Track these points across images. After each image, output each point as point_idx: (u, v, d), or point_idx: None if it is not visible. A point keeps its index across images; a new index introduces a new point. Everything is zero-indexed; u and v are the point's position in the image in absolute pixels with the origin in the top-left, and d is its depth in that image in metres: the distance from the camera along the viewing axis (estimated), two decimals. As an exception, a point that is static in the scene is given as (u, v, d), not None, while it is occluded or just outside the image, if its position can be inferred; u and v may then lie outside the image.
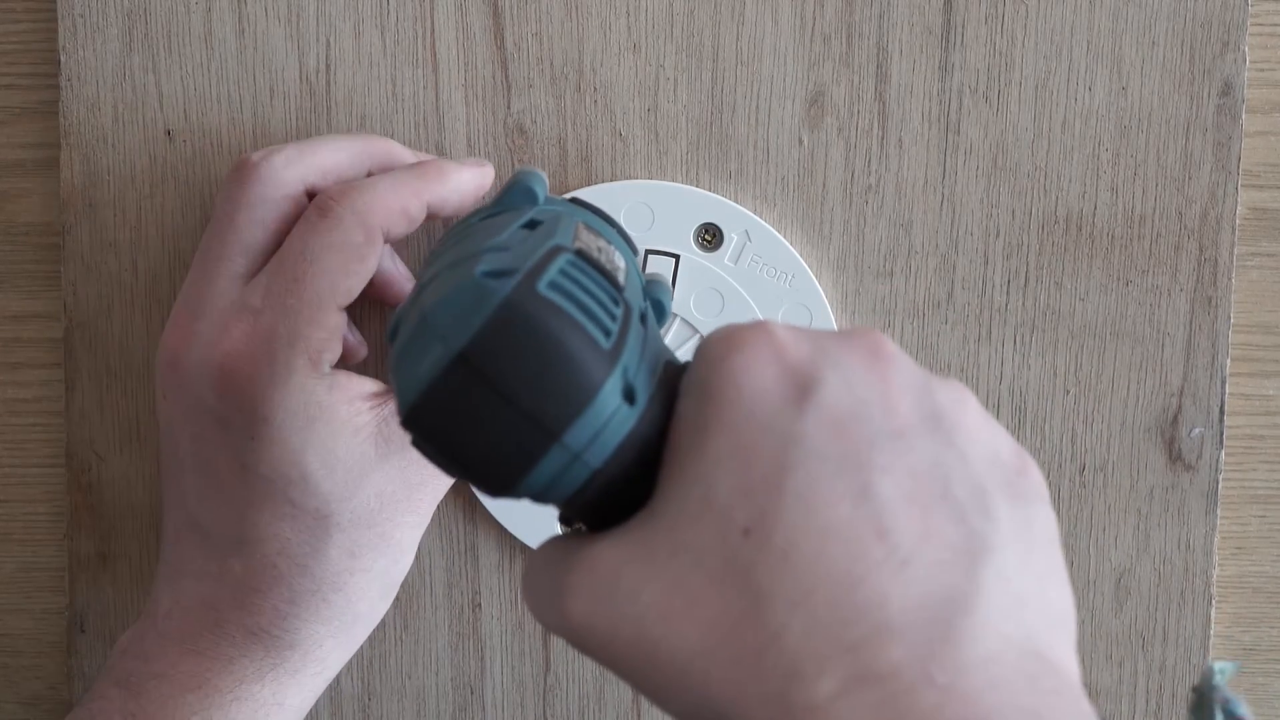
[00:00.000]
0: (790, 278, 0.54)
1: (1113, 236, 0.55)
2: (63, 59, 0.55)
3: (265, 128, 0.55)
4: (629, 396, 0.34)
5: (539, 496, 0.35)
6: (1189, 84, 0.54)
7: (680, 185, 0.54)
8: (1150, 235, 0.54)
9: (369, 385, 0.49)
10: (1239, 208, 0.55)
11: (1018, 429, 0.55)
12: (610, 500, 0.35)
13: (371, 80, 0.54)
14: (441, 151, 0.55)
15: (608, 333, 0.34)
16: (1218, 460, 0.55)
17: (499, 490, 0.35)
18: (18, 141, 0.57)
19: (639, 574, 0.33)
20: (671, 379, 0.36)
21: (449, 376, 0.33)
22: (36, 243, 0.57)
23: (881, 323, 0.55)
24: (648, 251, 0.54)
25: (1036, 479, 0.35)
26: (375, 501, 0.49)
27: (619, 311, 0.36)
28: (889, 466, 0.33)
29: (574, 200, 0.43)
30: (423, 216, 0.49)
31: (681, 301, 0.54)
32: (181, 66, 0.55)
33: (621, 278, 0.38)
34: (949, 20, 0.54)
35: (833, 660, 0.30)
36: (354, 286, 0.48)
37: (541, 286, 0.34)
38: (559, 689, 0.58)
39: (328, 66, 0.54)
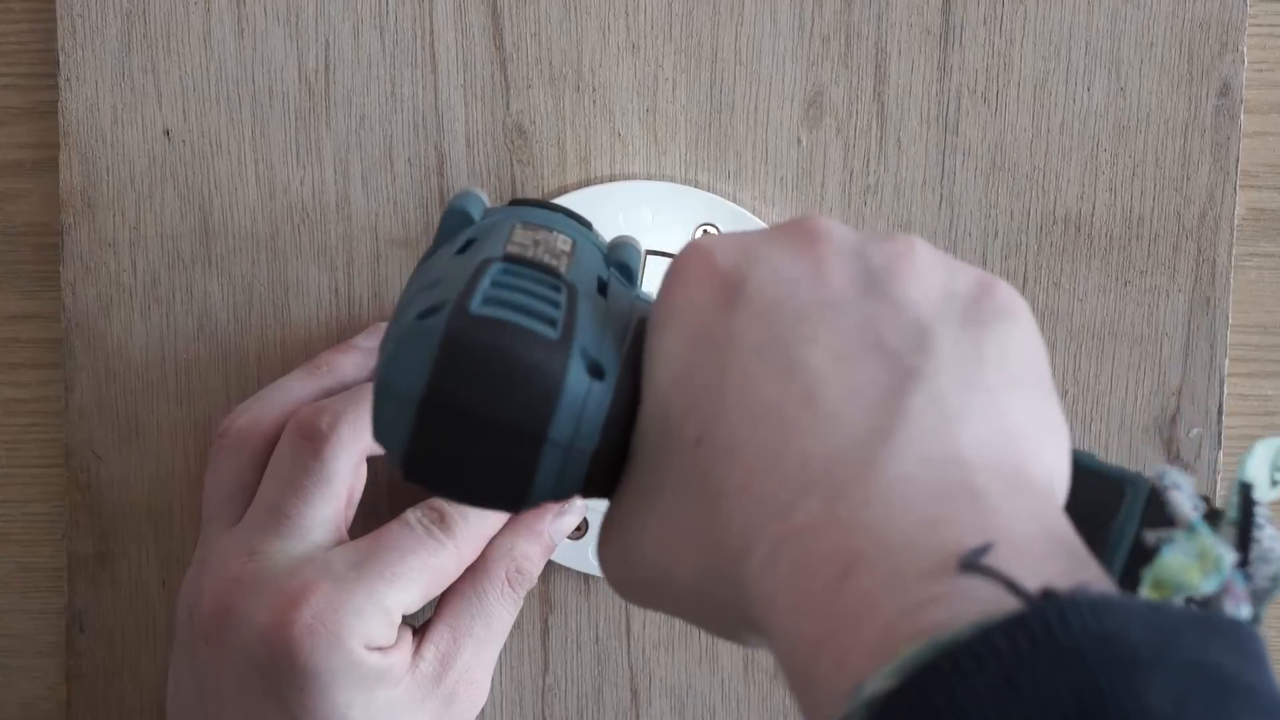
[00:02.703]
0: (789, 278, 0.54)
1: (1111, 237, 0.55)
2: (62, 59, 0.55)
3: (264, 128, 0.55)
4: (596, 372, 0.35)
5: (556, 495, 0.35)
6: (1187, 85, 0.54)
7: (679, 185, 0.55)
8: (1148, 236, 0.55)
9: (407, 635, 0.50)
10: (1237, 208, 0.55)
11: (1016, 429, 0.56)
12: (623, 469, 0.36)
13: (370, 80, 0.55)
14: (441, 153, 0.55)
15: (553, 322, 0.35)
16: (1216, 460, 0.56)
17: (516, 505, 0.35)
18: (17, 141, 0.57)
19: (639, 521, 0.35)
20: (644, 334, 0.37)
21: (422, 426, 0.34)
22: (35, 243, 0.57)
23: (880, 323, 0.55)
24: (648, 252, 0.54)
25: (1001, 300, 0.34)
26: None
27: (561, 297, 0.36)
28: (815, 336, 0.33)
29: (515, 202, 0.43)
30: None
31: (680, 302, 0.55)
32: (180, 66, 0.55)
33: (563, 262, 0.38)
34: (947, 21, 0.54)
35: (765, 530, 0.31)
36: (350, 513, 0.51)
37: (474, 306, 0.34)
38: (557, 689, 0.58)
39: (327, 67, 0.55)
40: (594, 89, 0.54)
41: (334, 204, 0.55)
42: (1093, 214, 0.55)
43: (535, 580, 0.53)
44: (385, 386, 0.35)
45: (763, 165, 0.55)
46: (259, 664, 0.48)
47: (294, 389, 0.53)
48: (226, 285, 0.56)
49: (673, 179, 0.55)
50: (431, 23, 0.54)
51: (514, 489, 0.35)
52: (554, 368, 0.34)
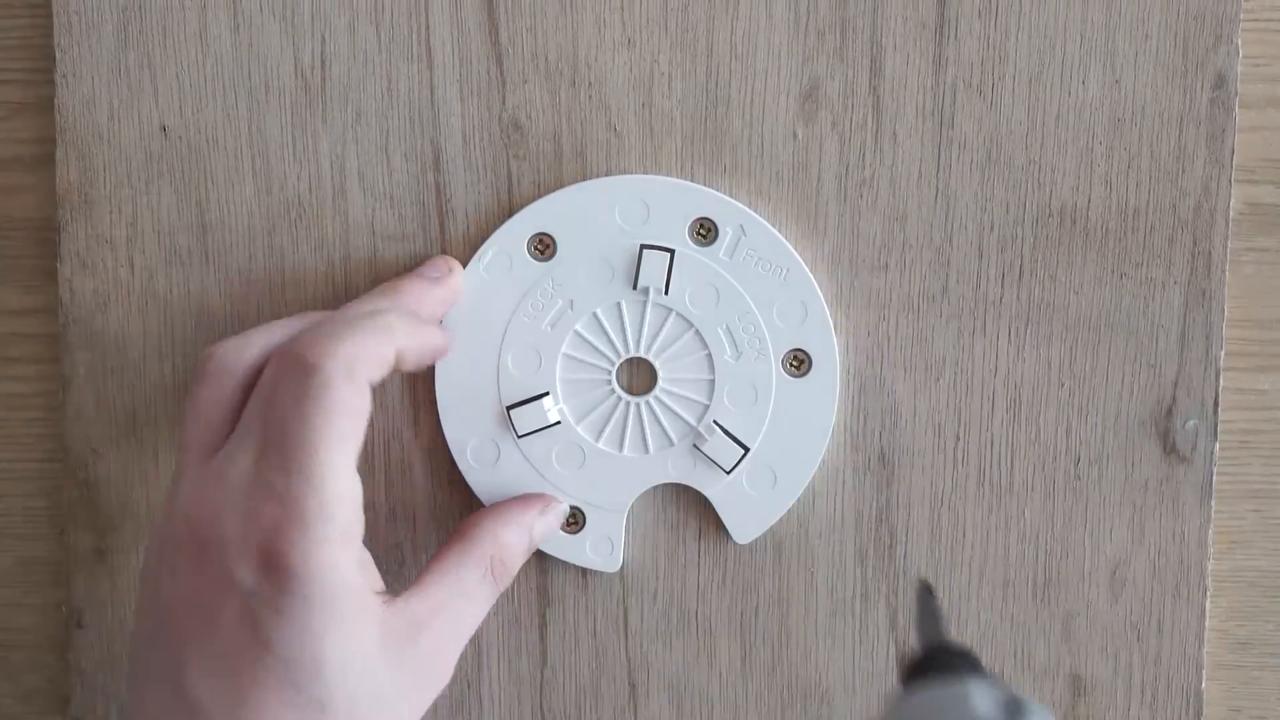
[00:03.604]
0: (785, 272, 0.55)
1: (1106, 229, 0.55)
2: (58, 55, 0.55)
3: (260, 123, 0.55)
4: None
5: None
6: (1182, 77, 0.54)
7: (675, 180, 0.55)
8: (1144, 228, 0.55)
9: (378, 580, 0.49)
10: (1233, 202, 0.55)
11: (1012, 422, 0.56)
12: None
13: (367, 76, 0.55)
14: (437, 148, 0.55)
15: None
16: (1212, 452, 0.56)
17: None
18: (14, 137, 0.57)
19: None
20: None
21: None
22: (33, 238, 0.57)
23: (876, 316, 0.55)
24: (643, 246, 0.54)
25: None
26: (371, 702, 0.47)
27: None
28: None
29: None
30: (393, 362, 0.49)
31: (677, 296, 0.55)
32: (177, 62, 0.55)
33: None
34: (942, 14, 0.54)
35: None
36: (359, 444, 0.48)
37: None
38: (555, 683, 0.58)
39: (323, 62, 0.55)
40: (590, 84, 0.55)
41: (330, 199, 0.55)
42: (1088, 206, 0.55)
43: (513, 576, 0.53)
44: None
45: (758, 159, 0.55)
46: (233, 587, 0.46)
47: (281, 325, 0.51)
48: (224, 281, 0.56)
49: (668, 173, 0.55)
50: (427, 18, 0.54)
51: None
52: None
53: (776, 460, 0.56)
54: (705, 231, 0.55)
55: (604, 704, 0.58)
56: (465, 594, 0.51)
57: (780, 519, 0.56)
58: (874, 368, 0.56)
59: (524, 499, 0.54)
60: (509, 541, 0.52)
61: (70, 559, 0.57)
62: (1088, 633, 0.57)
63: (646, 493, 0.57)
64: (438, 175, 0.55)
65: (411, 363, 0.51)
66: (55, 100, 0.55)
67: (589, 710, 0.58)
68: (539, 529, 0.54)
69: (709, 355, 0.55)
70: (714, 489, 0.56)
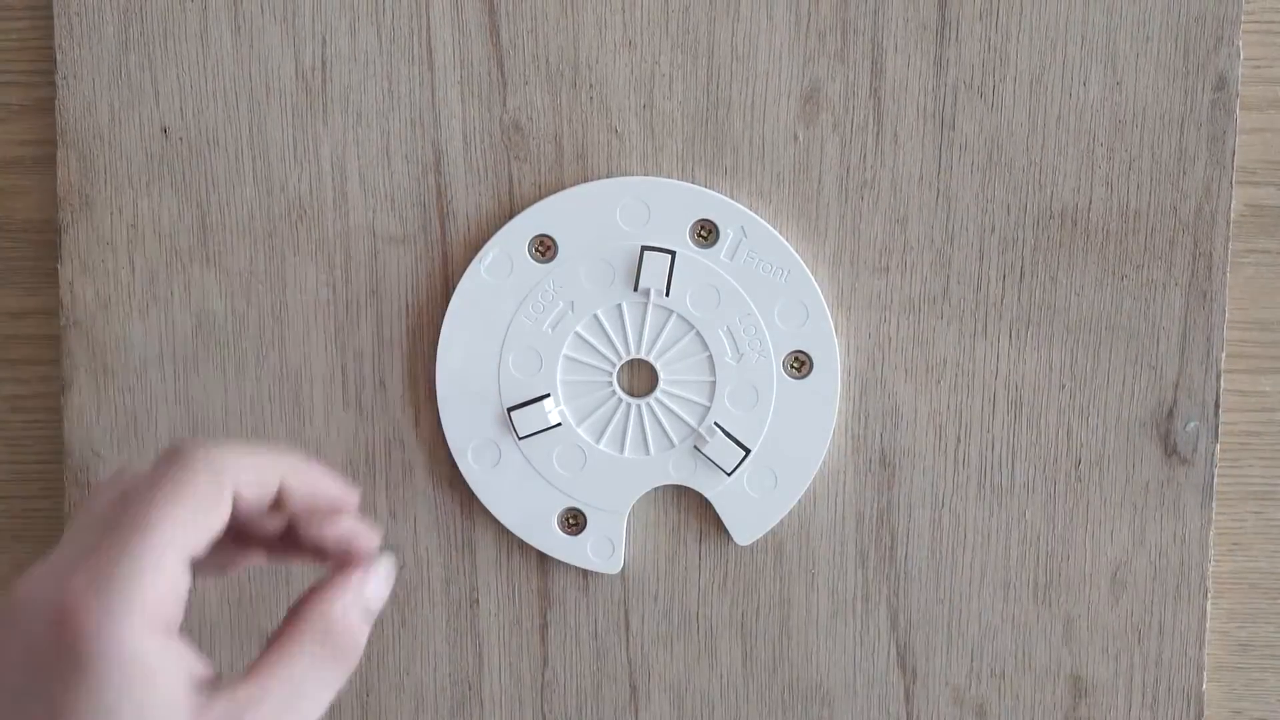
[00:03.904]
0: (786, 273, 0.55)
1: (1107, 231, 0.55)
2: (59, 57, 0.55)
3: (261, 125, 0.55)
4: None
5: None
6: (1183, 79, 0.54)
7: (676, 181, 0.55)
8: (1145, 230, 0.55)
9: (200, 667, 0.45)
10: (1234, 204, 0.55)
11: (1013, 424, 0.56)
12: None
13: (368, 77, 0.55)
14: (438, 149, 0.55)
15: None
16: (1213, 454, 0.56)
17: None
18: (15, 139, 0.57)
19: None
20: None
21: None
22: (34, 240, 0.57)
23: (877, 318, 0.55)
24: (644, 248, 0.54)
25: None
26: None
27: None
28: None
29: None
30: (274, 489, 0.47)
31: (678, 298, 0.55)
32: (177, 64, 0.55)
33: None
34: (943, 16, 0.54)
35: None
36: (199, 540, 0.45)
37: None
38: (556, 685, 0.58)
39: (323, 64, 0.55)
40: (591, 85, 0.55)
41: (331, 201, 0.55)
42: (1089, 208, 0.55)
43: (360, 647, 0.47)
44: None
45: (759, 161, 0.55)
46: (31, 655, 0.43)
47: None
48: (224, 282, 0.56)
49: (670, 175, 0.55)
50: (428, 19, 0.54)
51: None
52: None
53: (777, 462, 0.56)
54: (706, 233, 0.55)
55: (605, 705, 0.58)
56: (293, 677, 0.46)
57: (781, 520, 0.56)
58: (875, 369, 0.56)
59: (345, 567, 0.49)
60: (337, 614, 0.47)
61: (71, 561, 0.57)
62: (1089, 634, 0.57)
63: (647, 494, 0.57)
64: (438, 177, 0.55)
65: (299, 500, 0.48)
66: (56, 102, 0.55)
67: (590, 712, 0.58)
68: (370, 590, 0.49)
69: (710, 357, 0.55)
70: (715, 490, 0.56)
